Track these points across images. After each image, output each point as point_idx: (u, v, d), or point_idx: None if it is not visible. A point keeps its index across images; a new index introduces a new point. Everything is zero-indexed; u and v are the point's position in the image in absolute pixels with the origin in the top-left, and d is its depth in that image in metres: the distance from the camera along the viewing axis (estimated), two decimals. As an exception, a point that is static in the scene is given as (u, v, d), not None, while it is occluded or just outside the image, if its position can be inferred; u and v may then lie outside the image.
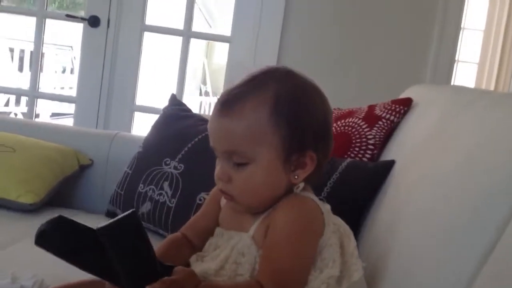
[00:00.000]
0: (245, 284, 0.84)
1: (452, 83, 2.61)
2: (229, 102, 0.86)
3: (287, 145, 0.85)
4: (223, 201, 0.97)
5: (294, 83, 0.89)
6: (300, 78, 0.90)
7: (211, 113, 0.90)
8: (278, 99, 0.85)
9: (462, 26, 2.63)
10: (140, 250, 0.74)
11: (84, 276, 0.88)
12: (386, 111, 1.48)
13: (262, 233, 0.87)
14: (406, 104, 1.47)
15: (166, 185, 1.47)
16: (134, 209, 0.76)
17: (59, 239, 0.74)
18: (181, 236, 0.99)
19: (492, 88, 4.40)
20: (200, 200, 1.40)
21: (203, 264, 0.90)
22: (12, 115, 5.06)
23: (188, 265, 0.93)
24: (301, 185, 0.89)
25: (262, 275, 0.83)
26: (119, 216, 0.74)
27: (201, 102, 6.18)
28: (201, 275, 0.87)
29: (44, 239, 0.74)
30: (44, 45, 2.88)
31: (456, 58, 2.65)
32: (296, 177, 0.88)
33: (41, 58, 2.94)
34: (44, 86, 4.92)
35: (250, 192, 0.87)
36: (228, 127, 0.85)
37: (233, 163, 0.86)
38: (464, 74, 4.84)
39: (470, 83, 4.68)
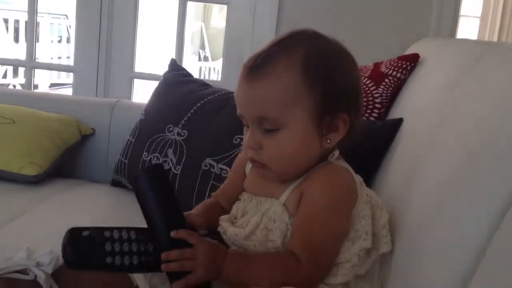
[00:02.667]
0: (275, 254, 0.83)
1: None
2: (258, 66, 0.83)
3: (320, 108, 0.83)
4: (248, 167, 0.96)
5: (322, 44, 0.87)
6: (327, 39, 0.88)
7: (238, 80, 0.86)
8: (309, 61, 0.83)
9: (464, -22, 2.55)
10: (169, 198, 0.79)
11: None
12: (393, 68, 1.44)
13: (294, 201, 0.84)
14: (413, 60, 1.43)
15: (170, 152, 1.45)
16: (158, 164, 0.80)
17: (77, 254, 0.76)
18: (215, 201, 1.00)
19: (495, 42, 4.33)
20: (205, 166, 1.38)
21: (234, 228, 0.88)
22: (10, 87, 5.01)
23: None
24: (336, 153, 0.88)
25: (295, 245, 0.81)
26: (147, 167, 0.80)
27: (201, 68, 6.11)
28: (231, 237, 0.87)
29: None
30: (38, 14, 2.82)
31: (459, 13, 2.58)
32: (328, 141, 0.85)
33: (36, 28, 2.88)
34: (41, 56, 4.86)
35: (283, 159, 0.84)
36: (259, 92, 0.82)
37: (263, 129, 0.83)
38: (466, 29, 4.76)
39: (473, 38, 4.61)
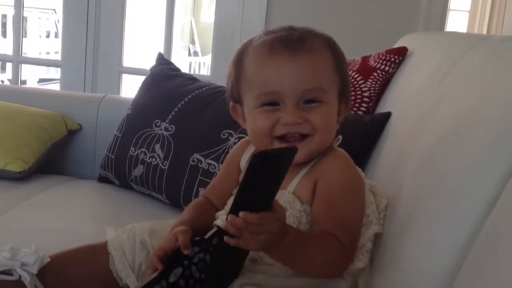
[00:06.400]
0: (323, 235, 0.80)
1: (445, 32, 2.54)
2: (300, 41, 0.84)
3: (341, 89, 0.87)
4: (243, 162, 0.95)
5: (328, 35, 0.91)
6: None
7: (262, 59, 0.85)
8: (331, 45, 0.87)
9: (454, -28, 2.55)
10: (273, 183, 0.72)
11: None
12: (381, 61, 1.44)
13: (307, 188, 0.85)
14: (401, 54, 1.42)
15: (157, 147, 1.44)
16: (295, 147, 0.71)
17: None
18: (205, 200, 0.98)
19: (484, 36, 4.33)
20: (193, 161, 1.37)
21: None
22: (-1, 82, 4.96)
23: None
24: (340, 138, 0.91)
25: (328, 226, 0.80)
26: (281, 148, 0.74)
27: (191, 63, 6.07)
28: None
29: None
30: (25, 8, 2.79)
31: (448, 6, 2.58)
32: (338, 122, 0.90)
33: (24, 23, 2.85)
34: (29, 51, 4.82)
35: (330, 127, 0.86)
36: (308, 64, 0.83)
37: (303, 104, 0.83)
38: (456, 23, 4.77)
39: (462, 31, 4.61)
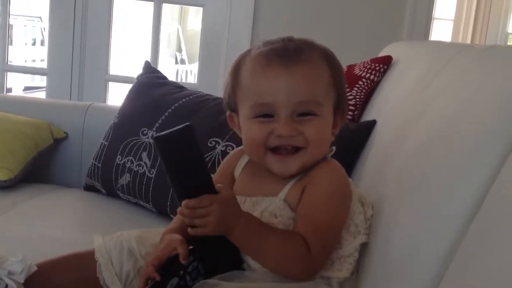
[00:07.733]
0: (288, 232, 0.83)
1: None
2: (296, 53, 0.85)
3: (336, 101, 0.88)
4: (238, 170, 0.95)
5: (325, 47, 0.91)
6: None
7: (258, 70, 0.86)
8: (328, 57, 0.88)
9: (438, -18, 2.59)
10: (190, 163, 0.75)
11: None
12: (366, 70, 1.45)
13: (296, 196, 0.86)
14: (386, 62, 1.44)
15: (144, 155, 1.44)
16: (189, 123, 0.75)
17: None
18: None
19: (468, 44, 4.38)
20: (180, 169, 1.37)
21: None
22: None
23: None
24: (334, 148, 0.91)
25: (301, 228, 0.82)
26: (174, 128, 0.75)
27: (178, 70, 6.07)
28: None
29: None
30: (11, 16, 2.78)
31: (432, 15, 2.61)
32: (333, 134, 0.90)
33: (9, 30, 2.84)
34: (15, 59, 4.79)
35: (323, 141, 0.87)
36: (304, 76, 0.84)
37: (296, 117, 0.84)
38: (440, 31, 4.83)
39: (446, 40, 4.66)
